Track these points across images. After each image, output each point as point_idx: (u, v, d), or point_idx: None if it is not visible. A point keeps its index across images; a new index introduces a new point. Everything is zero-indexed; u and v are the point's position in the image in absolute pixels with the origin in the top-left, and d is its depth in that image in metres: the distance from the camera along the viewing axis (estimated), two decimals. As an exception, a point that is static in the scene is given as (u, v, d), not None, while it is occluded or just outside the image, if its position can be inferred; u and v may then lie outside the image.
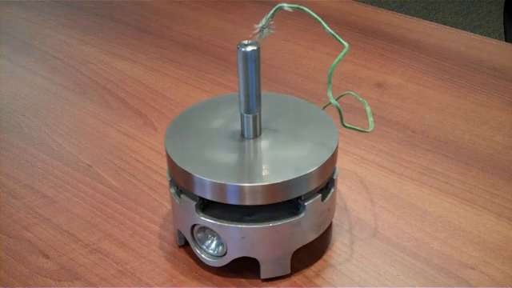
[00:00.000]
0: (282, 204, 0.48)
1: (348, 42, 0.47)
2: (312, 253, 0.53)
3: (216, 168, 0.48)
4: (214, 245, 0.51)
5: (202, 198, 0.48)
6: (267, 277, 0.50)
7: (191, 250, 0.52)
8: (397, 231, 0.55)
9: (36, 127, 0.70)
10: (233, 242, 0.49)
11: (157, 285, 0.51)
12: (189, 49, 0.86)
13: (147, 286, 0.51)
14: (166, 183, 0.60)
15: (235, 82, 0.76)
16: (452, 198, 0.59)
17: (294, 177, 0.47)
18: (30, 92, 0.77)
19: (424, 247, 0.53)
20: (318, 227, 0.51)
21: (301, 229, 0.49)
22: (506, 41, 1.44)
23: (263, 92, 0.50)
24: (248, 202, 0.47)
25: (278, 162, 0.48)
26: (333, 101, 0.49)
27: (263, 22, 0.47)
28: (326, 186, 0.51)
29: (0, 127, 0.70)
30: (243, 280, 0.51)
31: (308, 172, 0.47)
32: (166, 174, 0.53)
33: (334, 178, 0.52)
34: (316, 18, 0.47)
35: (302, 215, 0.49)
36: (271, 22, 0.47)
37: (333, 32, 0.47)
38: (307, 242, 0.51)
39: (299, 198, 0.48)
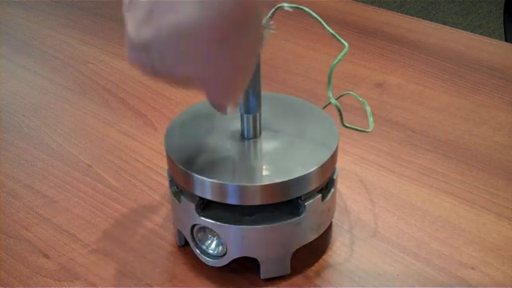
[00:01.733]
0: (282, 204, 0.48)
1: (348, 42, 0.47)
2: (312, 253, 0.53)
3: (216, 168, 0.48)
4: (214, 245, 0.51)
5: (202, 198, 0.48)
6: (267, 277, 0.50)
7: (191, 250, 0.52)
8: (397, 231, 0.55)
9: (36, 127, 0.70)
10: (233, 241, 0.49)
11: (157, 285, 0.51)
12: (189, 49, 0.85)
13: (147, 286, 0.51)
14: (166, 183, 0.60)
15: (235, 82, 0.76)
16: (452, 198, 0.59)
17: (294, 177, 0.47)
18: (29, 92, 0.77)
19: (424, 247, 0.53)
20: (318, 227, 0.51)
21: (301, 229, 0.49)
22: (506, 41, 1.44)
23: (263, 92, 0.50)
24: (248, 202, 0.47)
25: (278, 162, 0.48)
26: (333, 101, 0.49)
27: (263, 22, 0.47)
28: (326, 186, 0.51)
29: (0, 127, 0.70)
30: (243, 280, 0.51)
31: (308, 172, 0.47)
32: (166, 173, 0.53)
33: (334, 177, 0.52)
34: (316, 18, 0.47)
35: (302, 215, 0.49)
36: (271, 22, 0.47)
37: (333, 32, 0.47)
38: (307, 241, 0.51)
39: (299, 198, 0.48)
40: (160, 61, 0.39)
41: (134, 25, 0.39)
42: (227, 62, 0.39)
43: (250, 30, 0.38)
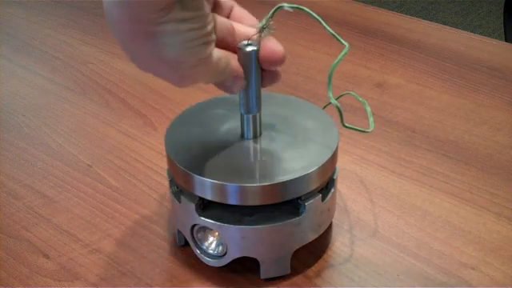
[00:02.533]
0: (282, 204, 0.48)
1: (348, 42, 0.47)
2: (312, 253, 0.53)
3: (216, 168, 0.48)
4: (213, 245, 0.51)
5: (201, 198, 0.48)
6: (267, 277, 0.50)
7: (191, 250, 0.52)
8: (397, 231, 0.55)
9: (36, 127, 0.70)
10: (233, 242, 0.49)
11: (157, 285, 0.51)
12: (189, 49, 0.85)
13: (147, 286, 0.51)
14: (166, 183, 0.60)
15: (235, 82, 0.76)
16: (452, 198, 0.59)
17: (294, 177, 0.47)
18: (30, 92, 0.77)
19: (424, 247, 0.53)
20: (318, 227, 0.51)
21: (301, 229, 0.49)
22: (506, 41, 1.44)
23: (263, 92, 0.50)
24: (248, 202, 0.47)
25: (278, 162, 0.48)
26: (333, 101, 0.49)
27: (263, 22, 0.47)
28: (326, 186, 0.51)
29: (0, 127, 0.70)
30: (243, 280, 0.51)
31: (308, 172, 0.47)
32: (165, 173, 0.53)
33: (334, 178, 0.52)
34: (316, 18, 0.47)
35: (302, 215, 0.49)
36: (271, 22, 0.47)
37: (333, 32, 0.47)
38: (307, 241, 0.51)
39: (299, 198, 0.48)
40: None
41: None
42: (153, 53, 0.40)
43: (165, 17, 0.38)
